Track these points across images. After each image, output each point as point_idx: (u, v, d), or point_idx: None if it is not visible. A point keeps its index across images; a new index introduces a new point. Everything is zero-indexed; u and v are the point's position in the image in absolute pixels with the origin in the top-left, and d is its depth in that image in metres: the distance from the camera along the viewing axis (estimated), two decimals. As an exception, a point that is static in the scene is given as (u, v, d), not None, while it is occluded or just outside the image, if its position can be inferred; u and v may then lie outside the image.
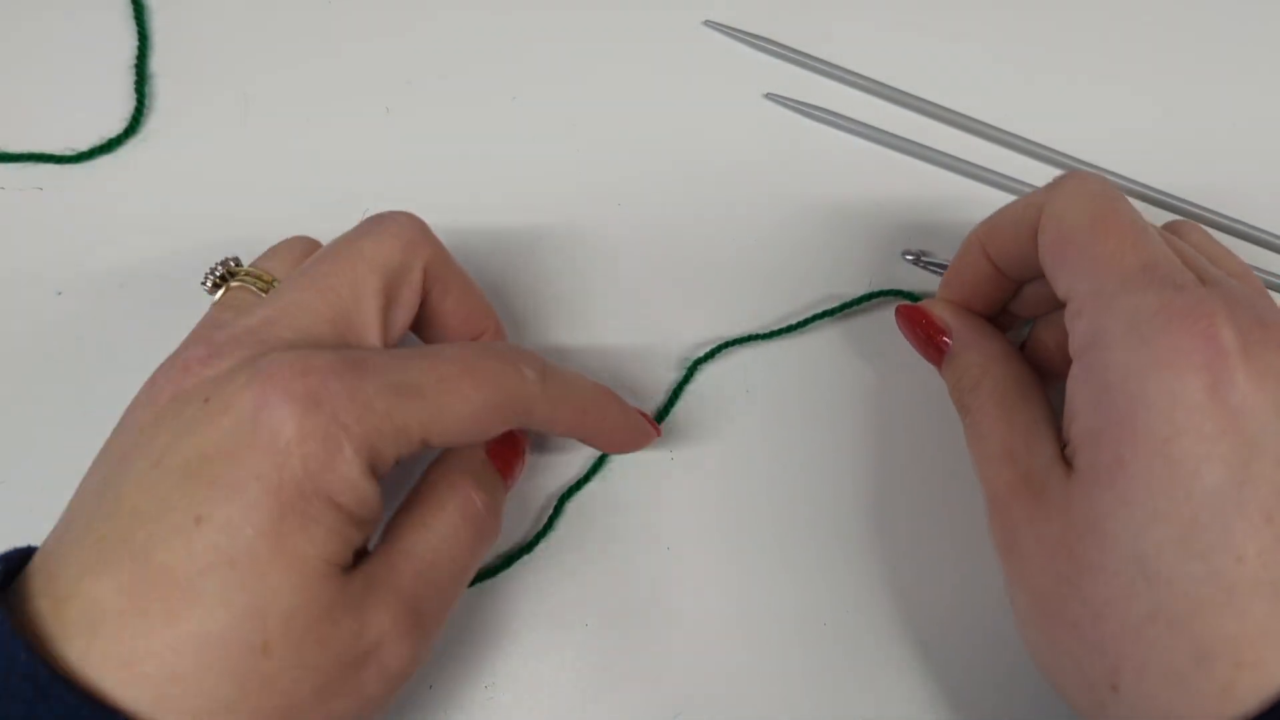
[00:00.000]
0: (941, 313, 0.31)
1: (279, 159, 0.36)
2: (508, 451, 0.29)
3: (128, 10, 0.37)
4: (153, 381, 0.25)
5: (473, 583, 0.33)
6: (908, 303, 0.32)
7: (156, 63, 0.37)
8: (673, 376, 0.34)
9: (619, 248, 0.35)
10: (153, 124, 0.36)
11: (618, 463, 0.34)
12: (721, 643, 0.32)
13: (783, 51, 0.37)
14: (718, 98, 0.37)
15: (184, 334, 0.34)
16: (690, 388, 0.34)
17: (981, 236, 0.29)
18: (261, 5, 0.37)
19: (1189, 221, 0.29)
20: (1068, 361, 0.25)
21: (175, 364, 0.24)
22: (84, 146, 0.36)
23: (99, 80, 0.36)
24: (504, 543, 0.33)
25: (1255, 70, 0.38)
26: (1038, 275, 0.28)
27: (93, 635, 0.21)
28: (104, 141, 0.36)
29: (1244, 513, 0.21)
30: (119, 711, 0.20)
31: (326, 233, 0.35)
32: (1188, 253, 0.25)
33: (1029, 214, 0.27)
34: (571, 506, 0.33)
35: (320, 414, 0.22)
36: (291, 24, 0.37)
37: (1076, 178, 0.26)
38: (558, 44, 0.37)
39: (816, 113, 0.36)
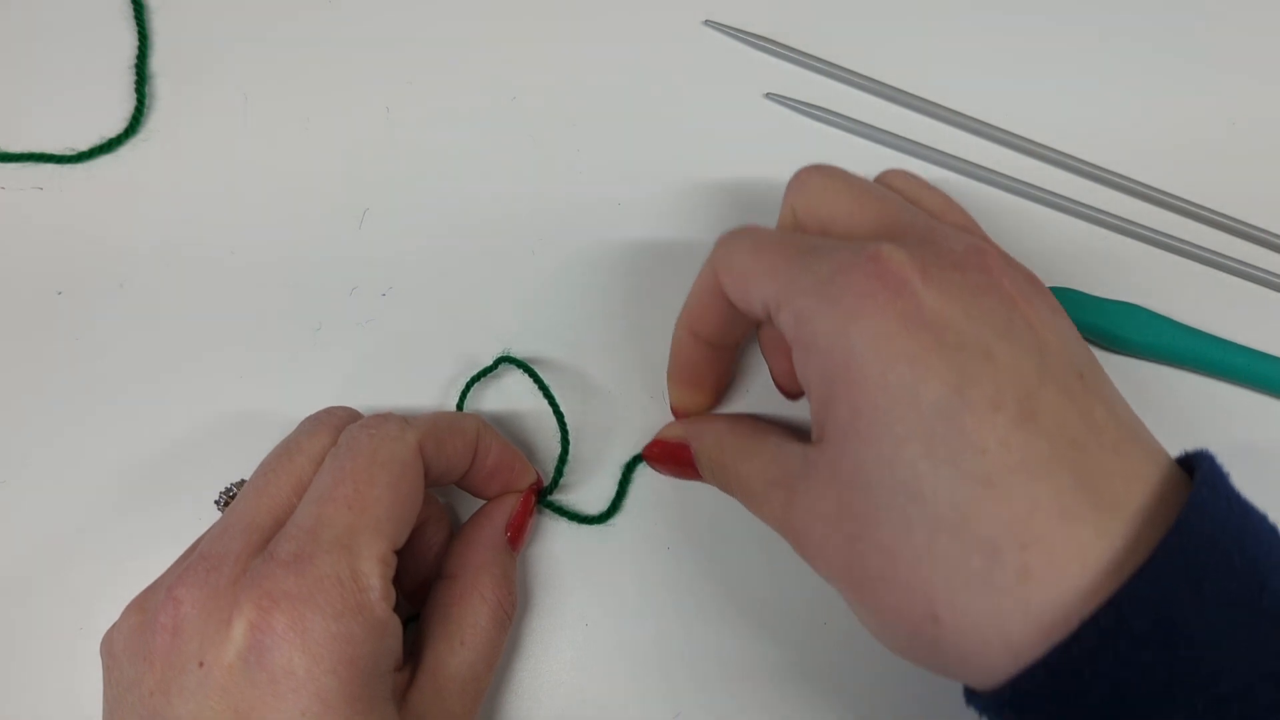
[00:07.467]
0: (671, 432, 0.32)
1: (279, 159, 0.36)
2: (520, 523, 0.31)
3: (128, 10, 0.37)
4: (141, 629, 0.25)
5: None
6: (649, 447, 0.32)
7: (156, 63, 0.37)
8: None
9: (619, 247, 0.36)
10: (153, 124, 0.36)
11: (616, 463, 0.34)
12: (722, 643, 0.32)
13: (783, 51, 0.37)
14: (718, 98, 0.37)
15: (183, 336, 0.34)
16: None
17: (687, 323, 0.30)
18: (262, 5, 0.37)
19: (893, 170, 0.30)
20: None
21: (157, 621, 0.25)
22: (84, 146, 0.36)
23: (99, 80, 0.36)
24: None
25: (1255, 69, 0.38)
26: (748, 334, 0.30)
27: None
28: (104, 141, 0.36)
29: (972, 410, 0.22)
30: None
31: (325, 232, 0.35)
32: (891, 199, 0.27)
33: (709, 279, 0.28)
34: (572, 508, 0.33)
35: (312, 628, 0.24)
36: (292, 24, 0.37)
37: (727, 234, 0.28)
38: (558, 44, 0.37)
39: (816, 113, 0.36)
